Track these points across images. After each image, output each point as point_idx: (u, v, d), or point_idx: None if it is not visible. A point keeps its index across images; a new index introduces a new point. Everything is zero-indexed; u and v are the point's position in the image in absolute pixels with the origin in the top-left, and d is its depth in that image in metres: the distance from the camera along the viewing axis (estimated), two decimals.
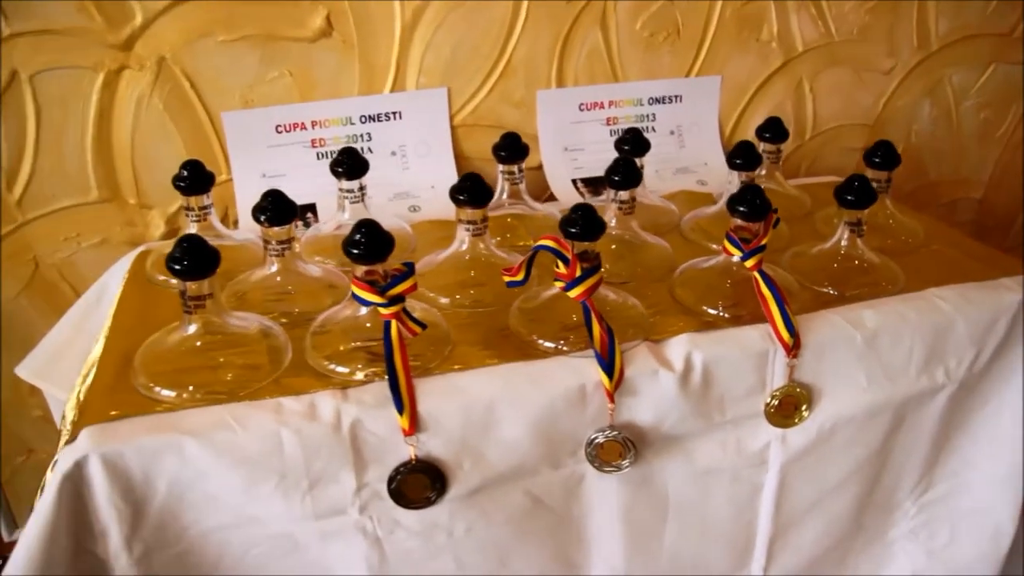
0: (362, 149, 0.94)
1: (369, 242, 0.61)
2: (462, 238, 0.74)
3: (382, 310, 0.62)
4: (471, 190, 0.71)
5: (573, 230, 0.66)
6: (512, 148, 0.84)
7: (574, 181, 1.00)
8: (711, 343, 0.68)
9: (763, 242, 0.70)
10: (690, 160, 1.05)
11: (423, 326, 0.63)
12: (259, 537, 0.60)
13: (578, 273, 0.65)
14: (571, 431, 0.65)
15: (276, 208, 0.69)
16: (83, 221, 0.90)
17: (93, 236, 0.91)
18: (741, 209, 0.70)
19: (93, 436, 0.56)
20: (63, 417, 0.85)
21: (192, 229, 0.79)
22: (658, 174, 1.02)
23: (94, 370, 0.73)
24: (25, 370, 0.85)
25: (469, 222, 0.73)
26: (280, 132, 0.91)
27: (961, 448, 0.81)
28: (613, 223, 0.80)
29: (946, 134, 1.18)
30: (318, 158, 0.93)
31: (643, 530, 0.72)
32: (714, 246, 0.85)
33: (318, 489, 0.59)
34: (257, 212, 0.70)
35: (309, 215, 0.91)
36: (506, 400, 0.62)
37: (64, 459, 0.56)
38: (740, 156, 0.85)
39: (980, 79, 1.16)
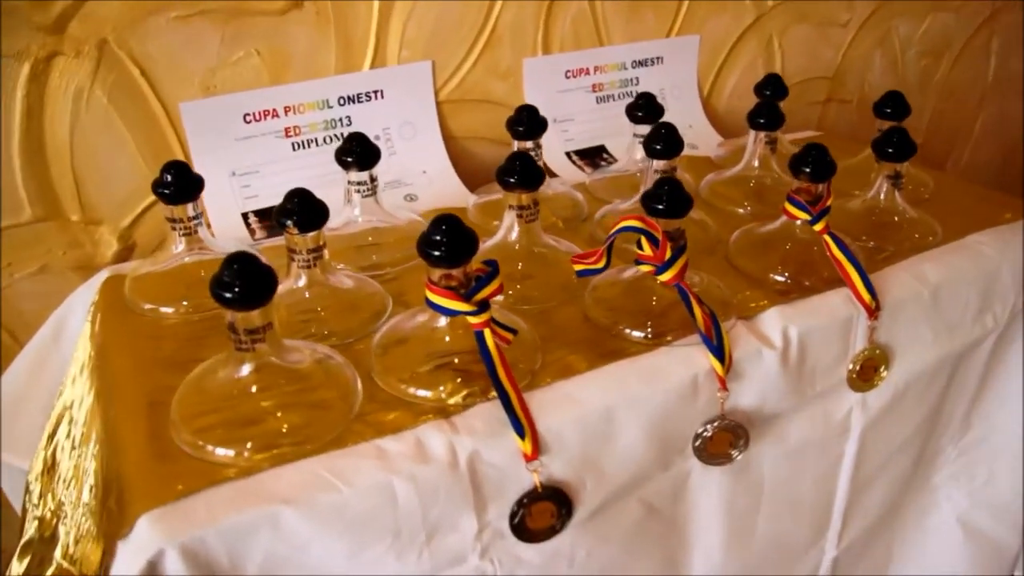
0: (341, 136, 0.83)
1: (452, 241, 0.51)
2: (510, 225, 0.66)
3: (471, 319, 0.53)
4: (522, 171, 0.63)
5: (659, 207, 0.59)
6: (530, 121, 0.76)
7: (568, 154, 0.93)
8: (801, 315, 0.64)
9: (828, 203, 0.67)
10: (675, 123, 1.00)
11: (513, 332, 0.55)
12: None
13: (668, 255, 0.59)
14: (681, 427, 0.59)
15: (305, 210, 0.58)
16: (15, 247, 0.73)
17: (29, 264, 0.75)
18: (806, 170, 0.66)
19: (161, 523, 0.44)
20: (26, 491, 0.70)
21: (180, 245, 0.66)
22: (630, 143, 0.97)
23: (79, 430, 0.60)
24: None
25: (521, 207, 0.64)
26: (249, 122, 0.78)
27: (996, 388, 0.82)
28: None
29: (893, 83, 1.20)
30: (294, 149, 0.81)
31: (740, 519, 0.67)
32: (740, 211, 0.81)
33: (436, 540, 0.50)
34: (282, 216, 0.58)
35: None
36: (623, 404, 0.55)
37: (128, 562, 0.43)
38: (762, 115, 0.81)
39: (921, 28, 1.19)
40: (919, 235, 0.75)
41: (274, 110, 0.79)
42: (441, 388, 0.53)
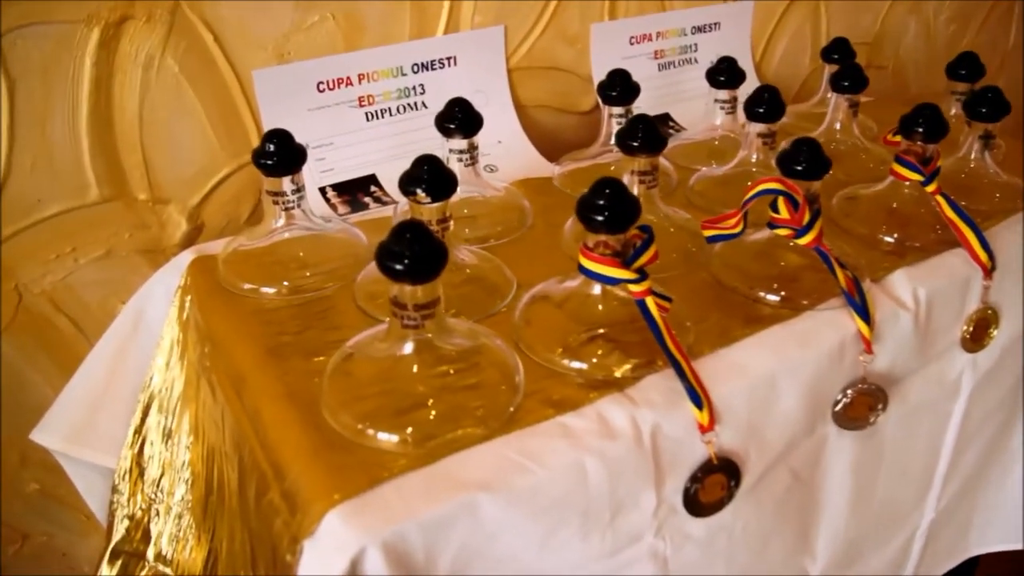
0: (415, 104, 0.79)
1: (616, 205, 0.49)
2: (632, 190, 0.63)
3: (632, 287, 0.50)
4: (645, 134, 0.60)
5: (799, 168, 0.57)
6: (624, 86, 0.73)
7: None
8: (926, 275, 0.63)
9: (939, 164, 0.66)
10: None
11: (669, 299, 0.53)
12: None
13: (808, 218, 0.57)
14: (827, 391, 0.58)
15: (435, 178, 0.55)
16: (79, 231, 0.68)
17: (94, 248, 0.69)
18: (919, 130, 0.65)
19: (358, 518, 0.40)
20: (114, 490, 0.65)
21: (280, 220, 0.61)
22: (708, 109, 0.95)
23: (170, 420, 0.57)
24: (47, 435, 0.64)
25: (642, 173, 0.62)
26: (322, 91, 0.74)
27: None
28: (755, 159, 0.72)
29: (924, 47, 1.21)
30: (367, 119, 0.76)
31: (864, 484, 0.66)
32: None
33: (619, 519, 0.48)
34: (408, 183, 0.54)
35: (374, 188, 0.75)
36: (784, 370, 0.53)
37: (323, 563, 0.40)
38: (846, 78, 0.79)
39: None
40: (1010, 197, 0.75)
41: (348, 78, 0.75)
42: (599, 359, 0.51)
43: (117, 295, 0.71)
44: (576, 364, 0.51)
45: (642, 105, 0.90)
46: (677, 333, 0.54)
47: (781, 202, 0.58)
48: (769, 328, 0.55)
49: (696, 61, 0.95)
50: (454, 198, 0.67)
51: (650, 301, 0.50)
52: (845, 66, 0.80)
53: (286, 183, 0.60)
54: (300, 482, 0.44)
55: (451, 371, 0.48)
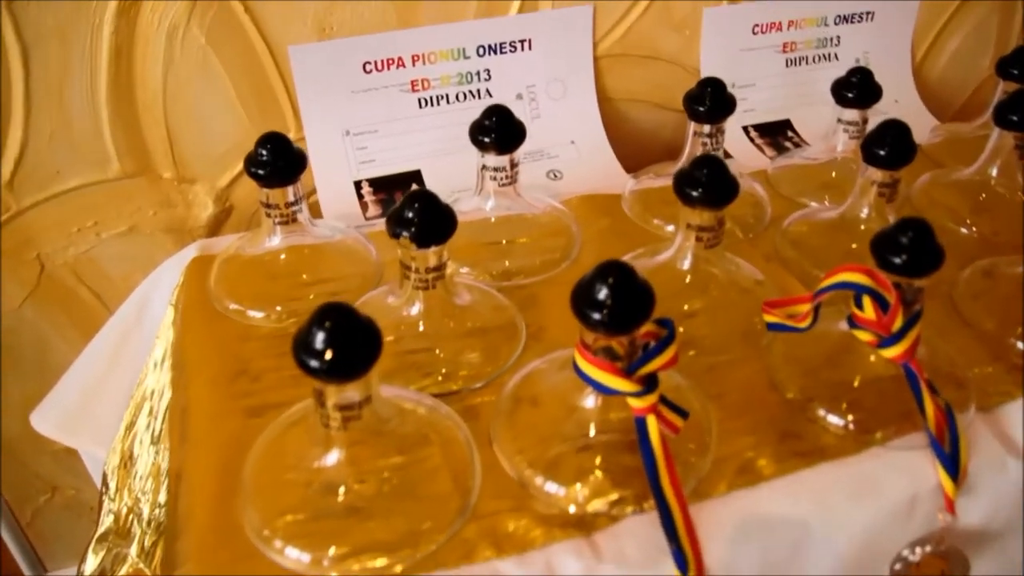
0: (477, 92, 0.69)
1: (623, 301, 0.38)
2: (683, 247, 0.51)
3: (634, 402, 0.40)
4: (710, 180, 0.48)
5: (897, 260, 0.43)
6: (716, 99, 0.59)
7: (745, 129, 0.76)
8: None
9: None
10: None
11: (684, 414, 0.42)
12: None
13: (899, 324, 0.44)
14: (884, 548, 0.45)
15: (427, 220, 0.46)
16: (101, 205, 0.64)
17: (117, 224, 0.66)
18: None
19: None
20: (103, 482, 0.63)
21: (276, 238, 0.54)
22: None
23: (159, 423, 0.53)
24: (44, 422, 0.63)
25: (702, 228, 0.50)
26: (369, 72, 0.65)
27: None
28: (864, 214, 0.58)
29: None
30: (420, 106, 0.68)
31: None
32: (963, 230, 0.63)
33: None
34: (396, 224, 0.46)
35: (415, 188, 0.67)
36: (819, 525, 0.42)
37: None
38: (1016, 110, 0.61)
39: None
40: None
41: (400, 58, 0.66)
42: (581, 488, 0.41)
43: (142, 270, 0.67)
44: (549, 486, 0.41)
45: (759, 107, 0.76)
46: (691, 457, 0.43)
47: (868, 299, 0.45)
48: (818, 465, 0.43)
49: (836, 58, 0.78)
50: (490, 221, 0.59)
51: (651, 422, 0.40)
52: (1016, 92, 0.61)
53: (283, 194, 0.53)
54: (187, 551, 0.38)
55: (385, 475, 0.40)
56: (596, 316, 0.38)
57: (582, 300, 0.39)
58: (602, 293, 0.38)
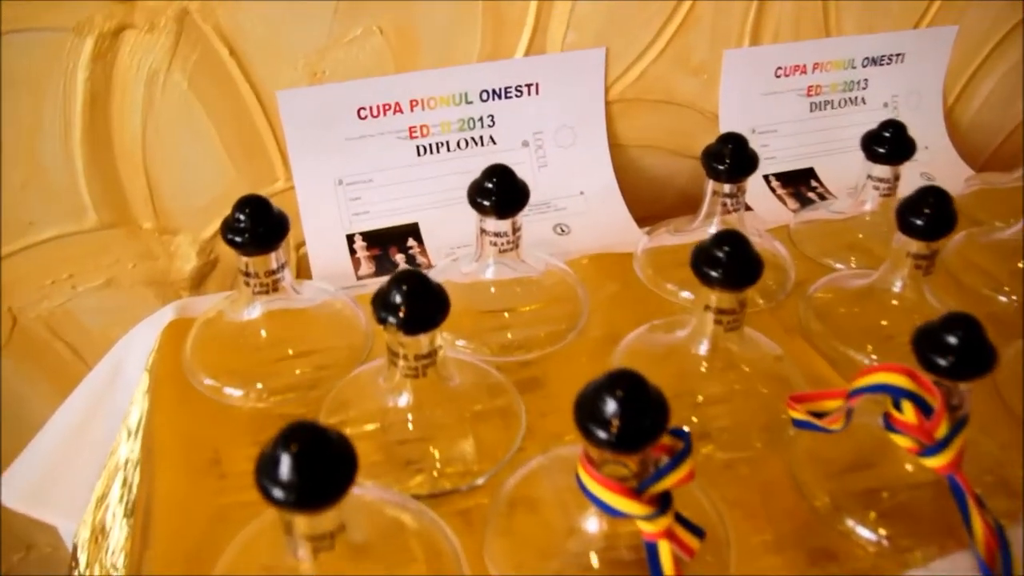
0: (479, 139, 0.64)
1: (633, 416, 0.34)
2: (701, 330, 0.46)
3: (645, 525, 0.35)
4: (730, 259, 0.43)
5: (943, 362, 0.39)
6: (737, 157, 0.55)
7: (766, 178, 0.71)
8: None
9: None
10: None
11: (701, 535, 0.37)
12: None
13: (943, 432, 0.39)
14: None
15: (416, 306, 0.41)
16: (77, 256, 0.60)
17: (94, 277, 0.62)
18: None
19: None
20: (72, 556, 0.60)
21: (256, 309, 0.50)
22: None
23: (133, 495, 0.49)
24: (10, 493, 0.58)
25: (721, 312, 0.45)
26: (364, 117, 0.61)
27: None
28: (898, 287, 0.53)
29: None
30: (419, 154, 0.63)
31: None
32: (1003, 298, 0.58)
33: None
34: (382, 308, 0.41)
35: (411, 244, 0.62)
36: None
37: None
38: None
39: None
40: None
41: (397, 104, 0.61)
42: None
43: (121, 324, 0.63)
44: None
45: (780, 154, 0.71)
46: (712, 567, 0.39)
47: (907, 401, 0.40)
48: None
49: (863, 102, 0.73)
50: (489, 289, 0.55)
51: (664, 547, 0.35)
52: None
53: (264, 261, 0.48)
54: None
55: None
56: (602, 435, 0.34)
57: (587, 415, 0.34)
58: (610, 408, 0.34)
